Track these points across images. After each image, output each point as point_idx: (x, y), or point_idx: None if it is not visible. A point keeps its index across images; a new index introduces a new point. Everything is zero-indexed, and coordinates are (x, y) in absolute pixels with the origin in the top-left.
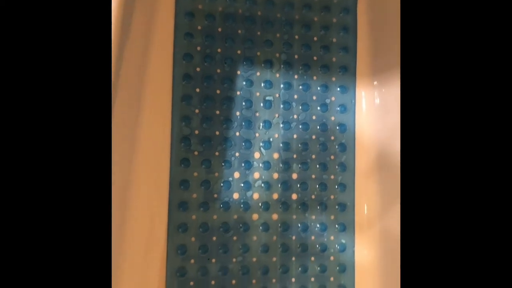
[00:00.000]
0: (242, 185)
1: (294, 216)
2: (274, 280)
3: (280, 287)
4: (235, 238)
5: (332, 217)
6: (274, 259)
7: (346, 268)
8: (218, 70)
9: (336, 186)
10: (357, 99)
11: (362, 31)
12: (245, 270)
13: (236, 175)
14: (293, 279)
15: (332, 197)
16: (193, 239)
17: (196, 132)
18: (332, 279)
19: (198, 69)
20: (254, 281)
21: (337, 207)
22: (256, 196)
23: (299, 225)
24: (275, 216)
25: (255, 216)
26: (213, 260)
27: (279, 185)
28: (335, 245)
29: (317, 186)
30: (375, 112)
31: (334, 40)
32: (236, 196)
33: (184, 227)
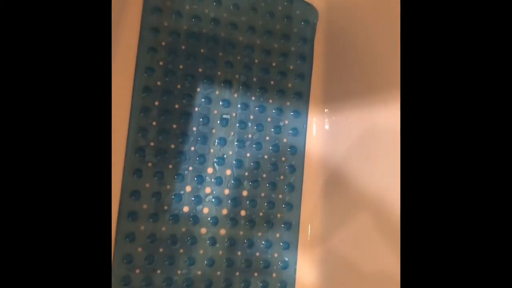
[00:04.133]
0: (193, 198)
1: (241, 232)
2: None
3: None
4: (181, 250)
5: (278, 235)
6: (219, 273)
7: (286, 285)
8: (179, 86)
9: (283, 205)
10: (309, 124)
11: (317, 61)
12: (189, 283)
13: (188, 188)
14: None
15: (278, 215)
16: (140, 249)
17: (152, 143)
18: None
19: (159, 83)
20: None
21: (282, 225)
22: (206, 210)
23: (245, 241)
24: (223, 231)
25: (203, 230)
26: (159, 271)
27: (229, 201)
28: (278, 262)
29: (266, 204)
30: (324, 137)
31: (291, 67)
32: (186, 209)
33: (131, 237)
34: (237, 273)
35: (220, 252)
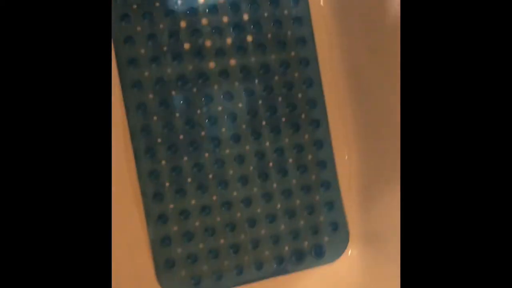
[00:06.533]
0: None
1: (260, 102)
2: (251, 168)
3: (258, 174)
4: (203, 133)
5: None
6: (247, 147)
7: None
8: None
9: (300, 62)
10: None
11: None
12: (220, 164)
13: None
14: (271, 164)
15: (296, 74)
16: (159, 140)
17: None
18: (310, 157)
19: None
20: (231, 172)
21: (303, 85)
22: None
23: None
24: (240, 105)
25: (220, 107)
26: (185, 158)
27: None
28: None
29: (280, 66)
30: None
31: None
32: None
33: (147, 131)
34: (267, 143)
35: (243, 127)
